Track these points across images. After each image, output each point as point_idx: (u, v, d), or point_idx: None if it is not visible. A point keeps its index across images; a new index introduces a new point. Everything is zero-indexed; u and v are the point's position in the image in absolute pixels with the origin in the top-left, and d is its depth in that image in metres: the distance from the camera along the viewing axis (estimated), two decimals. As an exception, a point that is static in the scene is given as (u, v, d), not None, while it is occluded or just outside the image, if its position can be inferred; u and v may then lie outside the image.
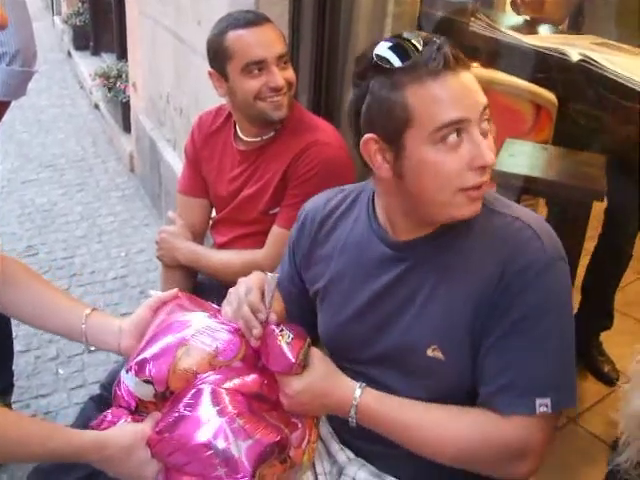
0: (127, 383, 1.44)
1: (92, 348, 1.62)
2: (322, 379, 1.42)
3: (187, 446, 1.34)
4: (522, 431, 1.31)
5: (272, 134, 2.20)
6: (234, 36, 2.05)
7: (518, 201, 2.80)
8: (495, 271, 1.32)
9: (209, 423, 1.34)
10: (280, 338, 1.38)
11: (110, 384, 2.06)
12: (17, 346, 2.91)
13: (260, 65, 2.05)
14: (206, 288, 2.31)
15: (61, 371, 3.23)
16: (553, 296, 1.32)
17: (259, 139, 2.22)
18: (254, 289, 1.44)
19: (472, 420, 1.35)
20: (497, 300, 1.32)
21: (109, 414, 1.45)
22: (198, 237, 2.42)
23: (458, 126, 1.27)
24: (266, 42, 2.05)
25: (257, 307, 1.41)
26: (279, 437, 1.36)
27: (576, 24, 2.79)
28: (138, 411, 1.45)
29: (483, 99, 1.30)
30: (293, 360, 1.37)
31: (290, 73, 2.11)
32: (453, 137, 1.28)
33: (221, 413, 1.35)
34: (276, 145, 2.19)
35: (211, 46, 2.12)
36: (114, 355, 3.22)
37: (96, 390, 2.34)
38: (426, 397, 1.40)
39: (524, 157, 2.81)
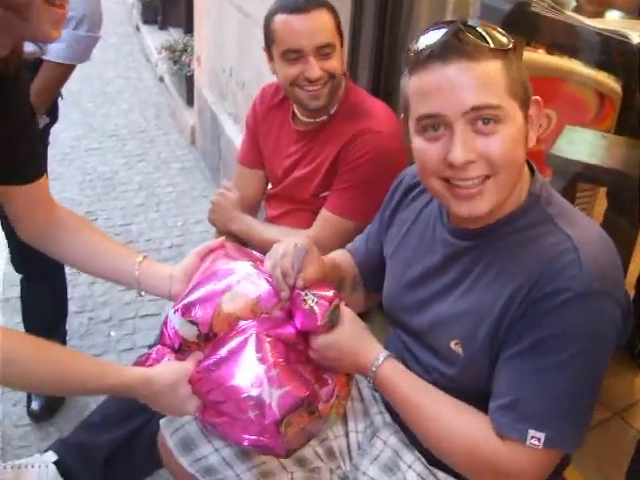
0: (173, 322, 1.50)
1: (143, 293, 1.69)
2: (348, 338, 1.47)
3: (224, 386, 1.41)
4: (511, 455, 1.28)
5: (325, 117, 2.19)
6: (280, 20, 2.05)
7: (575, 189, 2.78)
8: (525, 286, 1.27)
9: (248, 368, 1.41)
10: (304, 302, 1.45)
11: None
12: (72, 307, 2.99)
13: (298, 54, 2.03)
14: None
15: (113, 333, 3.31)
16: (578, 330, 1.23)
17: (312, 121, 2.21)
18: (287, 255, 1.49)
19: (475, 423, 1.34)
20: (522, 314, 1.28)
21: (154, 352, 1.52)
22: (253, 208, 2.44)
23: (433, 121, 1.28)
24: (307, 31, 2.01)
25: (287, 272, 1.47)
26: (309, 392, 1.42)
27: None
28: (181, 350, 1.51)
29: (471, 99, 1.24)
30: (317, 322, 1.43)
31: (332, 64, 2.06)
32: (432, 130, 1.29)
33: (261, 360, 1.41)
34: (329, 129, 2.19)
35: (264, 24, 2.12)
36: (165, 320, 3.32)
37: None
38: (444, 386, 1.42)
39: (584, 144, 2.78)
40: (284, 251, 1.51)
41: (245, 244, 2.40)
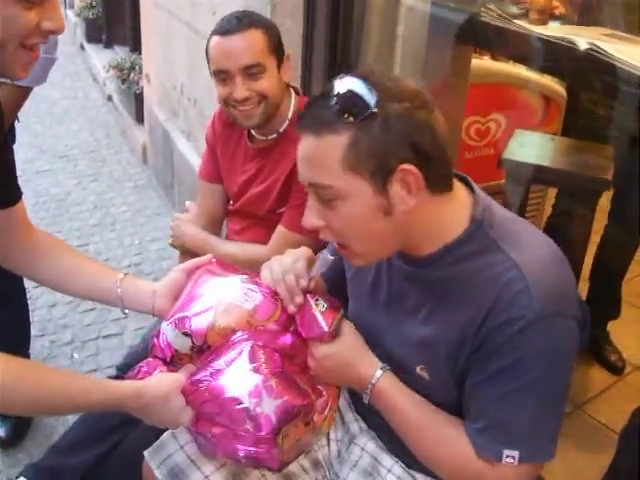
0: (166, 334, 1.50)
1: (126, 311, 1.69)
2: (349, 350, 1.48)
3: (220, 397, 1.40)
4: (490, 471, 1.32)
5: (275, 135, 2.21)
6: (212, 42, 2.08)
7: (528, 191, 2.85)
8: (479, 316, 1.29)
9: (244, 378, 1.40)
10: (315, 307, 1.46)
11: (127, 366, 2.12)
12: (33, 331, 2.96)
13: (226, 74, 2.05)
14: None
15: (76, 355, 3.27)
16: (537, 354, 1.26)
17: (265, 139, 2.24)
18: (301, 260, 1.52)
19: (466, 442, 1.36)
20: (479, 344, 1.30)
21: (144, 365, 1.50)
22: (217, 223, 2.46)
23: None
24: (233, 52, 2.03)
25: (302, 275, 1.49)
26: (306, 401, 1.42)
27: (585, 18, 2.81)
28: (172, 362, 1.51)
29: (308, 177, 1.32)
30: (326, 329, 1.44)
31: (261, 84, 2.06)
32: None
33: (257, 371, 1.41)
34: (282, 146, 2.20)
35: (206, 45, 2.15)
36: (127, 340, 3.33)
37: (111, 373, 2.41)
38: None
39: (533, 147, 2.85)
40: (295, 257, 1.53)
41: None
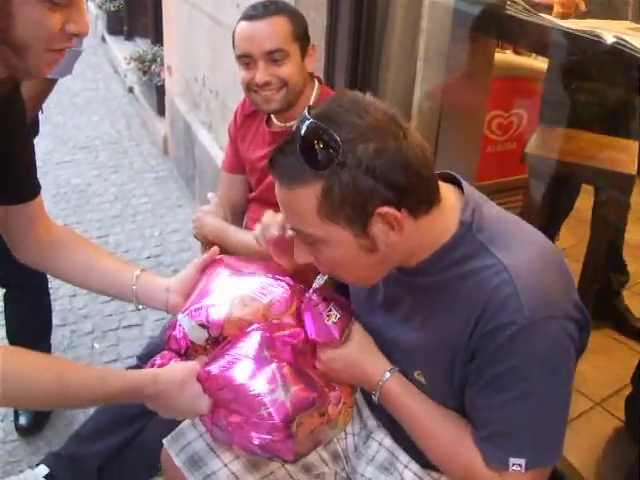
0: (183, 325, 1.51)
1: (140, 307, 1.70)
2: (357, 352, 1.48)
3: (235, 383, 1.41)
4: (501, 475, 1.31)
5: (294, 122, 2.20)
6: (238, 27, 2.10)
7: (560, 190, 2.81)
8: (471, 322, 1.27)
9: (259, 366, 1.42)
10: (327, 318, 1.46)
11: (147, 356, 2.13)
12: (54, 320, 2.98)
13: (249, 59, 2.07)
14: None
15: (96, 345, 3.30)
16: (532, 360, 1.24)
17: (283, 124, 2.24)
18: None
19: (474, 449, 1.35)
20: (472, 352, 1.29)
21: (158, 357, 1.52)
22: (238, 213, 2.47)
23: None
24: (257, 37, 2.05)
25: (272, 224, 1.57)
26: (320, 392, 1.43)
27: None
28: (187, 354, 1.52)
29: (290, 223, 1.36)
30: (337, 337, 1.45)
31: (283, 70, 2.07)
32: None
33: (271, 359, 1.42)
34: None
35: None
36: (147, 330, 3.34)
37: (131, 363, 2.42)
38: None
39: (556, 141, 2.83)
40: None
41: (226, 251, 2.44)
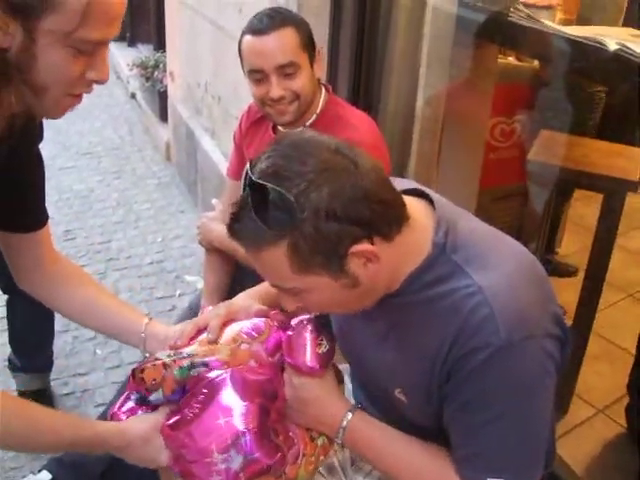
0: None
1: (147, 354, 1.68)
2: (327, 386, 1.47)
3: (191, 446, 1.40)
4: None
5: (300, 129, 2.21)
6: (244, 41, 2.08)
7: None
8: (445, 344, 1.25)
9: (216, 428, 1.39)
10: (318, 347, 1.44)
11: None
12: (56, 326, 2.97)
13: (261, 74, 2.05)
14: (245, 272, 2.35)
15: (99, 351, 3.30)
16: (509, 381, 1.22)
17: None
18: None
19: (448, 474, 1.34)
20: (447, 373, 1.27)
21: (124, 406, 1.53)
22: None
23: None
24: (267, 52, 2.03)
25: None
26: (277, 457, 1.40)
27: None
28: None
29: (269, 280, 1.32)
30: (321, 370, 1.44)
31: (296, 83, 2.06)
32: None
33: (229, 423, 1.39)
34: None
35: (238, 43, 2.16)
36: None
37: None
38: (398, 427, 1.43)
39: (559, 148, 2.84)
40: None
41: (230, 257, 2.44)
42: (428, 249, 1.29)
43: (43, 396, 2.91)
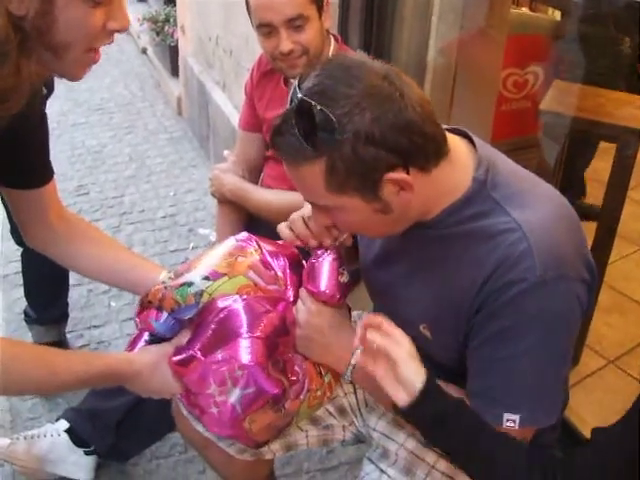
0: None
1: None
2: (342, 317, 1.51)
3: (193, 378, 1.44)
4: None
5: None
6: None
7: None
8: (479, 279, 1.27)
9: (219, 364, 1.42)
10: (340, 277, 1.47)
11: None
12: (70, 279, 3.00)
13: (270, 27, 2.04)
14: (259, 223, 2.36)
15: (113, 304, 3.33)
16: (537, 318, 1.24)
17: None
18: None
19: None
20: (479, 306, 1.28)
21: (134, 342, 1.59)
22: (255, 171, 2.48)
23: None
24: (275, 5, 2.01)
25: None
26: (277, 391, 1.42)
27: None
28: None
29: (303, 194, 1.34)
30: (340, 299, 1.48)
31: (304, 36, 2.05)
32: None
33: (234, 359, 1.42)
34: None
35: None
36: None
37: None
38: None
39: (572, 98, 2.82)
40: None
41: (242, 208, 2.45)
42: (468, 185, 1.31)
43: (59, 348, 2.95)
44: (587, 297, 1.30)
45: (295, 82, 1.23)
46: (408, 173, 1.22)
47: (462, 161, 1.32)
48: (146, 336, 1.56)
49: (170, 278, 1.53)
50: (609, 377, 2.85)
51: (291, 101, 1.21)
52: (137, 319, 1.55)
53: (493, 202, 1.29)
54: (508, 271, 1.23)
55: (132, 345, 1.57)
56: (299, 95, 1.19)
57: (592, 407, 2.51)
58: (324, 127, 1.15)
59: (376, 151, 1.17)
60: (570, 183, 3.62)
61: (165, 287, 1.50)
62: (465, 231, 1.31)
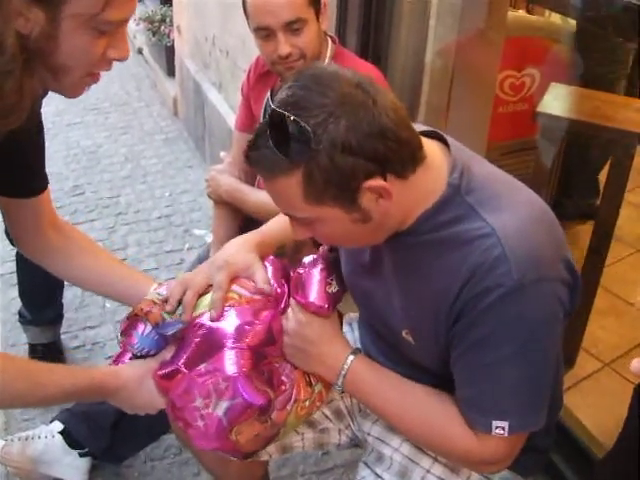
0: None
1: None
2: (332, 326, 1.49)
3: (179, 392, 1.43)
4: (483, 445, 1.32)
5: None
6: None
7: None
8: (455, 285, 1.26)
9: (203, 377, 1.42)
10: (327, 287, 1.47)
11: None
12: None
13: (267, 31, 2.02)
14: (255, 224, 2.35)
15: (107, 304, 3.31)
16: (518, 323, 1.23)
17: None
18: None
19: (450, 419, 1.36)
20: (457, 314, 1.27)
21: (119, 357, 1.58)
22: (251, 172, 2.46)
23: None
24: (273, 8, 1.99)
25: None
26: (262, 402, 1.41)
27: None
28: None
29: (284, 209, 1.32)
30: (328, 309, 1.47)
31: (302, 40, 2.04)
32: None
33: (218, 371, 1.42)
34: None
35: None
36: (159, 290, 3.33)
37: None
38: (402, 372, 1.45)
39: (569, 100, 2.82)
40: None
41: (239, 209, 2.44)
42: (442, 190, 1.29)
43: (53, 349, 2.95)
44: (569, 298, 1.29)
45: (268, 95, 1.23)
46: (386, 180, 1.21)
47: (436, 165, 1.31)
48: (130, 354, 1.56)
49: (157, 293, 1.54)
50: (605, 380, 2.84)
51: (264, 114, 1.21)
52: (121, 336, 1.55)
53: (468, 207, 1.28)
54: (484, 278, 1.22)
55: (117, 361, 1.56)
56: (272, 107, 1.18)
57: (588, 410, 2.50)
58: (298, 137, 1.14)
59: (353, 159, 1.17)
60: (583, 184, 3.63)
61: (154, 303, 1.51)
62: (440, 238, 1.30)
